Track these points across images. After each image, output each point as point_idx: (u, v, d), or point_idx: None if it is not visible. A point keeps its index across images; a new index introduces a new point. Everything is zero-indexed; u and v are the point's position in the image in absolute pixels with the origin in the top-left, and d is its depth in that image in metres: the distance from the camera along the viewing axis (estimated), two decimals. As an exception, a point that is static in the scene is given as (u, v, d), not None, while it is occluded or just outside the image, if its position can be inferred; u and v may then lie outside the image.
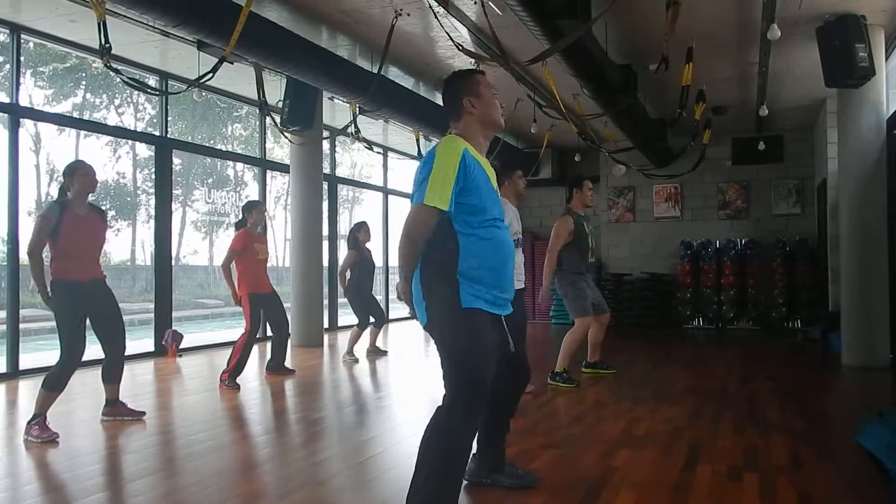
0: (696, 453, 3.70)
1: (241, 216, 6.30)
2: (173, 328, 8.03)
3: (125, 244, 19.35)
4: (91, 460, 3.75)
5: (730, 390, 5.68)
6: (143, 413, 4.66)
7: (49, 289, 4.25)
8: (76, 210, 4.36)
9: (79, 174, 4.37)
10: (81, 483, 3.33)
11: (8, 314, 6.43)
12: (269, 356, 6.54)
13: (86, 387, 5.76)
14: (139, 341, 7.96)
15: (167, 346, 7.83)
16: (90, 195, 4.47)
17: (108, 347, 4.51)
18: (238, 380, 5.86)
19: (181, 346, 7.96)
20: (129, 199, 19.90)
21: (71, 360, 4.23)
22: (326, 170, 10.25)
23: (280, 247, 21.54)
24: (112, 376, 4.56)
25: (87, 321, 4.38)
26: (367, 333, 7.75)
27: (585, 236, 6.01)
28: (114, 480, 3.45)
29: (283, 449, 4.04)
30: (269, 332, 6.59)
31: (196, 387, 6.18)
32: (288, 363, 6.66)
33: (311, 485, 3.29)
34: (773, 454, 3.70)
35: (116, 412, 4.60)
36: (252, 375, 6.36)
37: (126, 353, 4.62)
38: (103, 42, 4.94)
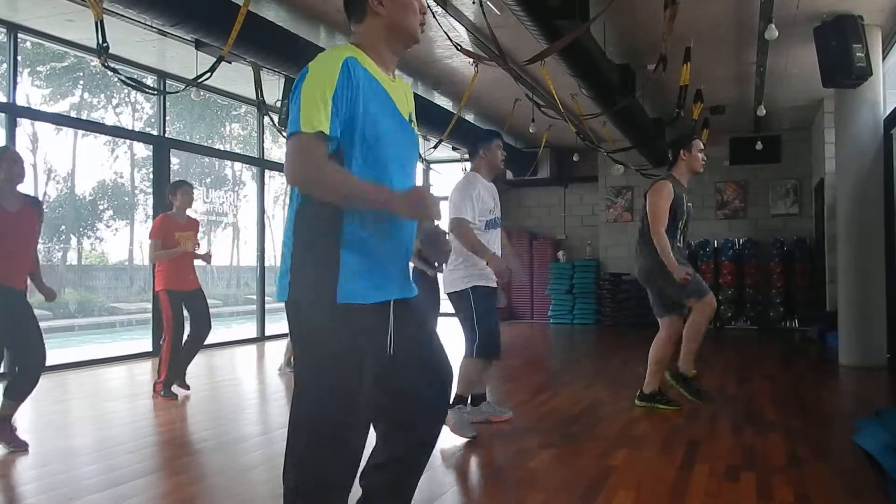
0: (693, 453, 3.70)
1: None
2: (171, 328, 7.98)
3: (123, 244, 19.32)
4: (88, 460, 3.75)
5: (727, 390, 5.68)
6: (26, 445, 3.81)
7: None
8: (6, 205, 3.78)
9: (6, 161, 3.78)
10: (79, 482, 3.32)
11: None
12: (275, 354, 6.47)
13: (83, 386, 5.76)
14: (137, 341, 7.94)
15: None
16: (19, 186, 3.85)
17: (21, 363, 3.82)
18: (234, 379, 5.84)
19: (179, 346, 7.92)
20: (126, 198, 19.87)
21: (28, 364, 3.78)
22: (324, 169, 10.22)
23: (278, 247, 21.58)
24: (16, 393, 3.80)
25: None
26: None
27: (683, 213, 4.89)
28: (110, 480, 3.45)
29: (280, 448, 4.02)
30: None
31: (193, 387, 6.16)
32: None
33: (308, 484, 3.28)
34: (770, 453, 3.70)
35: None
36: (250, 375, 6.35)
37: (43, 368, 3.89)
38: (101, 41, 4.93)
